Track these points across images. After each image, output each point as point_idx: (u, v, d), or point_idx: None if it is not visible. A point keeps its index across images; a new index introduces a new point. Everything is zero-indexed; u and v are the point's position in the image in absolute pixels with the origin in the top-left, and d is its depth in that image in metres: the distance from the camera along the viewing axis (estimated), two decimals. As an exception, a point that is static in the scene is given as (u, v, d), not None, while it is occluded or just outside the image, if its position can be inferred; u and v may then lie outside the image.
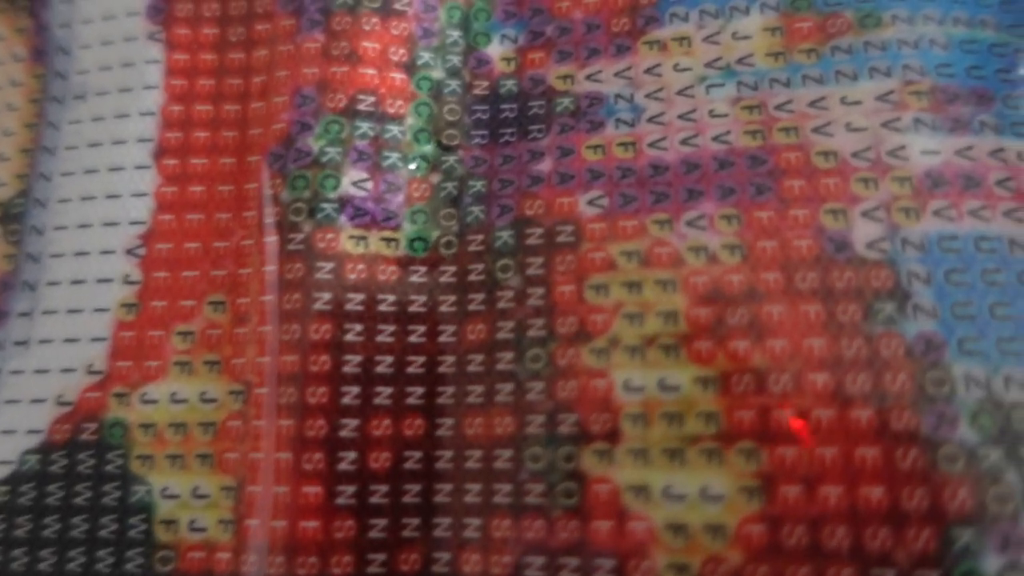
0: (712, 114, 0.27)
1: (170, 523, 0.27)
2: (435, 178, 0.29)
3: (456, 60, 0.31)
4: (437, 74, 0.30)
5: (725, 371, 0.24)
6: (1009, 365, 0.23)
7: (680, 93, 0.28)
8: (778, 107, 0.27)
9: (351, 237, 0.27)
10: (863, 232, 0.25)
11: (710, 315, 0.25)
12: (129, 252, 0.30)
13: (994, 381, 0.23)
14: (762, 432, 0.23)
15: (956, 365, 0.23)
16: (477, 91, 0.30)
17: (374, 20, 0.30)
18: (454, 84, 0.30)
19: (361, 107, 0.29)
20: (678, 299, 0.25)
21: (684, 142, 0.27)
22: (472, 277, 0.27)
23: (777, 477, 0.23)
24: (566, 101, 0.29)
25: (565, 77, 0.30)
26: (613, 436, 0.24)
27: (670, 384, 0.24)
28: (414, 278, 0.28)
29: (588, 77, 0.29)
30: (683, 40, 0.29)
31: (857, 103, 0.27)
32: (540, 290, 0.26)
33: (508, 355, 0.26)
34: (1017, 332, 0.23)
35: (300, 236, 0.27)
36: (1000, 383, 0.22)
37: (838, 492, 0.22)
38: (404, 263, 0.28)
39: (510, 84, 0.30)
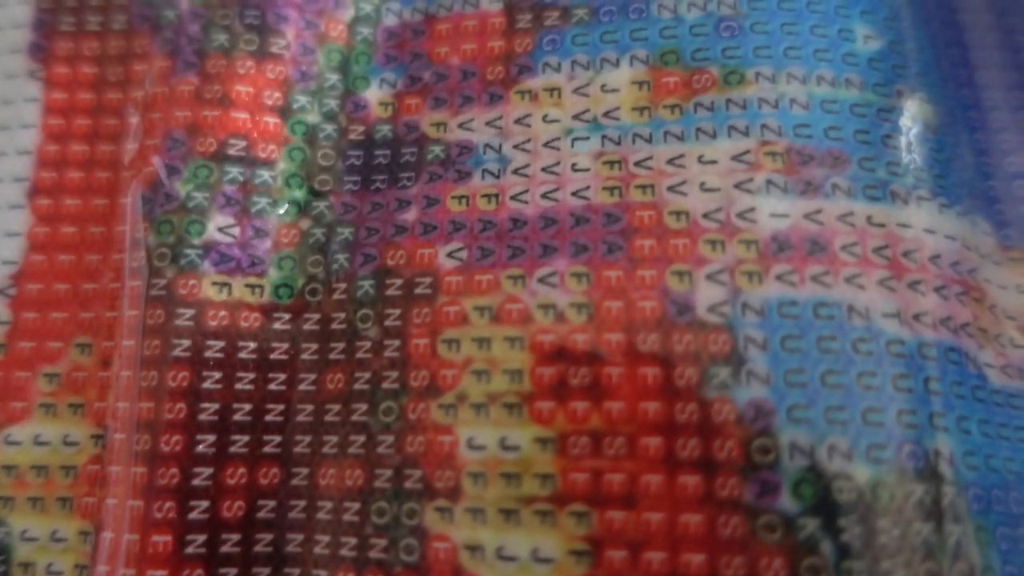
0: (574, 168, 0.28)
1: (28, 566, 0.27)
2: (304, 224, 0.29)
3: (333, 104, 0.31)
4: (313, 118, 0.30)
5: (563, 432, 0.24)
6: (835, 435, 0.23)
7: (547, 145, 0.29)
8: (638, 163, 0.27)
9: (214, 283, 0.28)
10: (705, 295, 0.25)
11: (553, 375, 0.25)
12: (0, 292, 0.29)
13: (818, 450, 0.23)
14: (594, 495, 0.23)
15: (784, 433, 0.23)
16: (353, 136, 0.30)
17: (249, 63, 0.30)
18: (330, 128, 0.30)
19: (231, 151, 0.29)
20: (524, 357, 0.25)
21: (545, 196, 0.28)
22: (334, 326, 0.28)
23: (604, 541, 0.23)
24: (437, 149, 0.29)
25: (438, 124, 0.30)
26: (454, 494, 0.25)
27: (511, 443, 0.24)
28: (277, 325, 0.28)
29: (460, 125, 0.30)
30: (554, 91, 0.29)
31: (713, 162, 0.27)
32: (396, 342, 0.27)
33: (363, 406, 0.26)
34: (846, 401, 0.23)
35: (162, 282, 0.27)
36: (824, 452, 0.23)
37: (661, 557, 0.23)
38: (268, 310, 0.28)
39: (385, 130, 0.30)
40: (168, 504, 0.26)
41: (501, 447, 0.25)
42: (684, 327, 0.25)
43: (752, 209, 0.26)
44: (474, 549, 0.24)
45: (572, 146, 0.28)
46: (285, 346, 0.28)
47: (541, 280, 0.26)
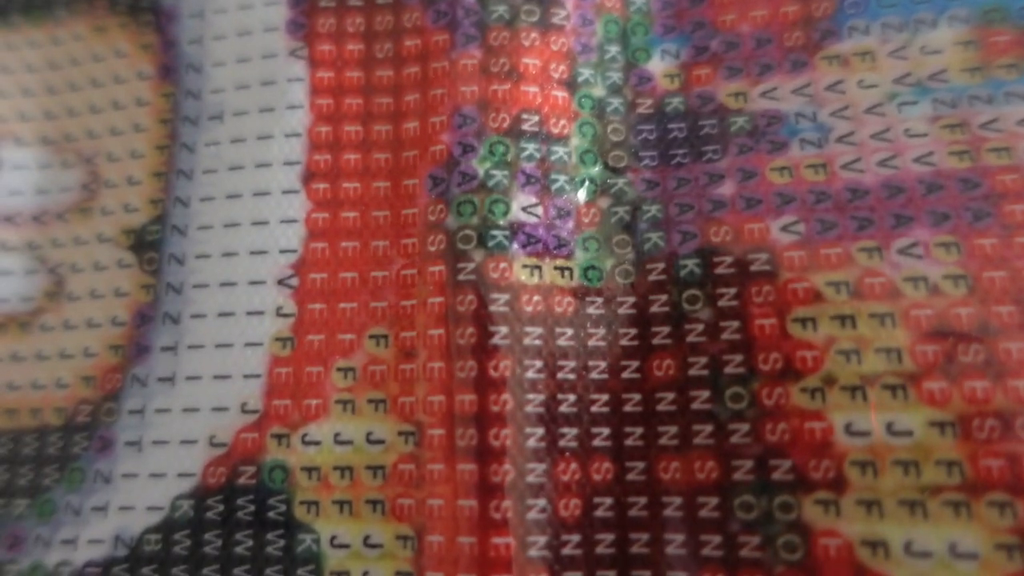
0: (909, 133, 0.25)
1: (341, 574, 0.24)
2: (604, 202, 0.27)
3: (616, 77, 0.29)
4: (598, 92, 0.28)
5: (963, 414, 0.21)
6: None
7: (869, 111, 0.26)
8: (983, 126, 0.25)
9: (524, 266, 0.25)
10: (1102, 262, 0.22)
11: (939, 352, 0.22)
12: (281, 283, 0.28)
13: None
14: (1015, 483, 0.21)
15: None
16: (641, 110, 0.28)
17: (533, 35, 0.28)
18: (616, 102, 0.28)
19: (526, 127, 0.27)
20: (899, 334, 0.23)
21: (882, 164, 0.25)
22: (654, 309, 0.25)
23: None
24: (741, 120, 0.27)
25: (737, 94, 0.28)
26: (838, 485, 0.22)
27: (900, 428, 0.22)
28: (591, 310, 0.26)
29: (763, 94, 0.27)
30: (866, 55, 0.27)
31: (1073, 121, 0.24)
32: (735, 323, 0.24)
33: (704, 394, 0.24)
34: None
35: (471, 266, 0.25)
36: None
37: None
38: (580, 294, 0.26)
39: (676, 102, 0.28)
40: (505, 503, 0.23)
41: (889, 432, 0.22)
42: (1086, 296, 0.22)
43: None
44: (875, 545, 0.21)
45: (899, 111, 0.26)
46: (602, 332, 0.26)
47: (902, 251, 0.24)
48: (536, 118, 0.27)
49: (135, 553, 0.26)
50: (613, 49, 0.29)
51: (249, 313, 0.28)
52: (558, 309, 0.26)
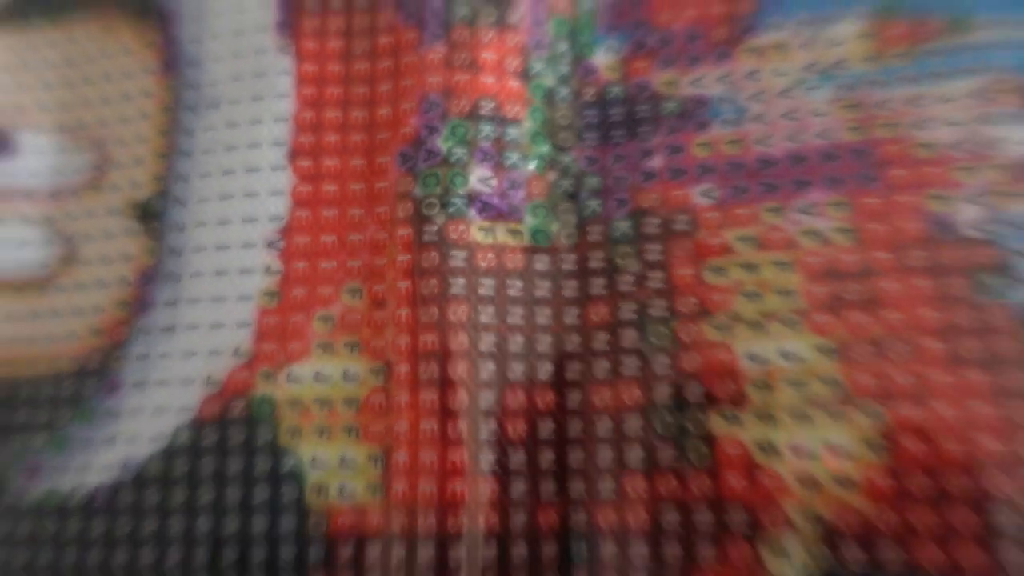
0: (813, 113, 0.30)
1: (321, 488, 0.29)
2: (552, 176, 0.32)
3: (566, 69, 0.33)
4: (549, 82, 0.33)
5: (845, 341, 0.26)
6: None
7: (781, 95, 0.31)
8: (876, 105, 0.30)
9: (480, 228, 0.30)
10: (966, 215, 0.27)
11: (826, 292, 0.27)
12: (269, 245, 0.32)
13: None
14: (883, 395, 0.25)
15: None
16: (586, 97, 0.33)
17: (491, 33, 0.32)
18: (564, 91, 0.33)
19: (483, 111, 0.31)
20: (794, 278, 0.28)
21: (789, 138, 0.30)
22: (592, 264, 0.30)
23: (899, 433, 0.25)
24: (671, 104, 0.32)
25: (669, 83, 0.32)
26: (739, 401, 0.27)
27: (791, 354, 0.26)
28: (538, 266, 0.30)
29: (692, 82, 0.32)
30: (780, 47, 0.31)
31: (951, 100, 0.29)
32: (659, 274, 0.29)
33: (632, 333, 0.28)
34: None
35: (434, 228, 0.30)
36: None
37: (956, 445, 0.25)
38: (528, 252, 0.30)
39: (617, 90, 0.33)
40: (461, 424, 0.28)
41: (782, 357, 0.27)
42: (951, 243, 0.27)
43: (997, 139, 0.28)
44: (767, 448, 0.26)
45: (807, 94, 0.31)
46: (548, 284, 0.30)
47: (801, 210, 0.28)
48: (493, 104, 0.32)
49: (140, 476, 0.30)
50: (563, 46, 0.34)
51: (241, 271, 0.33)
52: (509, 265, 0.30)
